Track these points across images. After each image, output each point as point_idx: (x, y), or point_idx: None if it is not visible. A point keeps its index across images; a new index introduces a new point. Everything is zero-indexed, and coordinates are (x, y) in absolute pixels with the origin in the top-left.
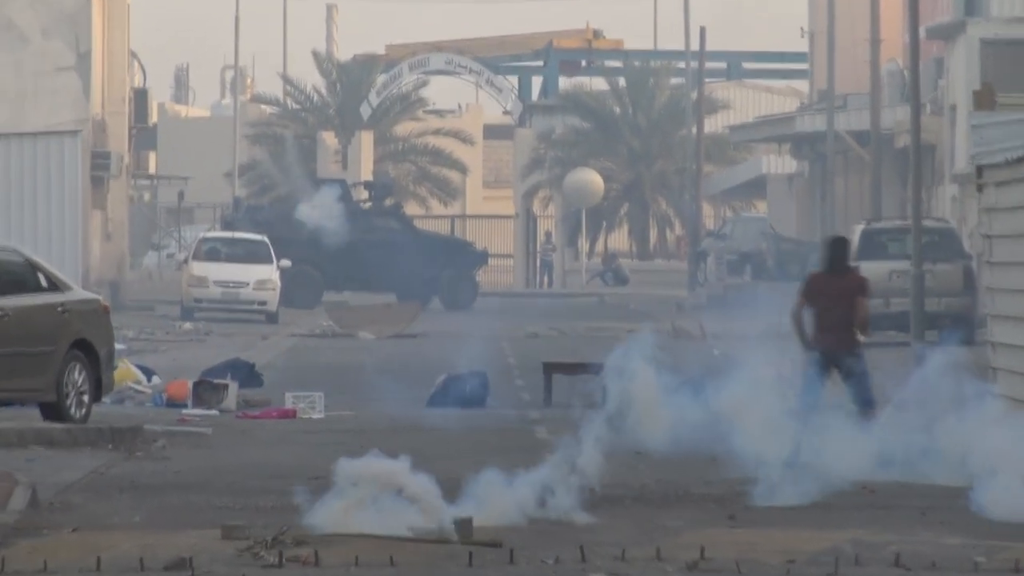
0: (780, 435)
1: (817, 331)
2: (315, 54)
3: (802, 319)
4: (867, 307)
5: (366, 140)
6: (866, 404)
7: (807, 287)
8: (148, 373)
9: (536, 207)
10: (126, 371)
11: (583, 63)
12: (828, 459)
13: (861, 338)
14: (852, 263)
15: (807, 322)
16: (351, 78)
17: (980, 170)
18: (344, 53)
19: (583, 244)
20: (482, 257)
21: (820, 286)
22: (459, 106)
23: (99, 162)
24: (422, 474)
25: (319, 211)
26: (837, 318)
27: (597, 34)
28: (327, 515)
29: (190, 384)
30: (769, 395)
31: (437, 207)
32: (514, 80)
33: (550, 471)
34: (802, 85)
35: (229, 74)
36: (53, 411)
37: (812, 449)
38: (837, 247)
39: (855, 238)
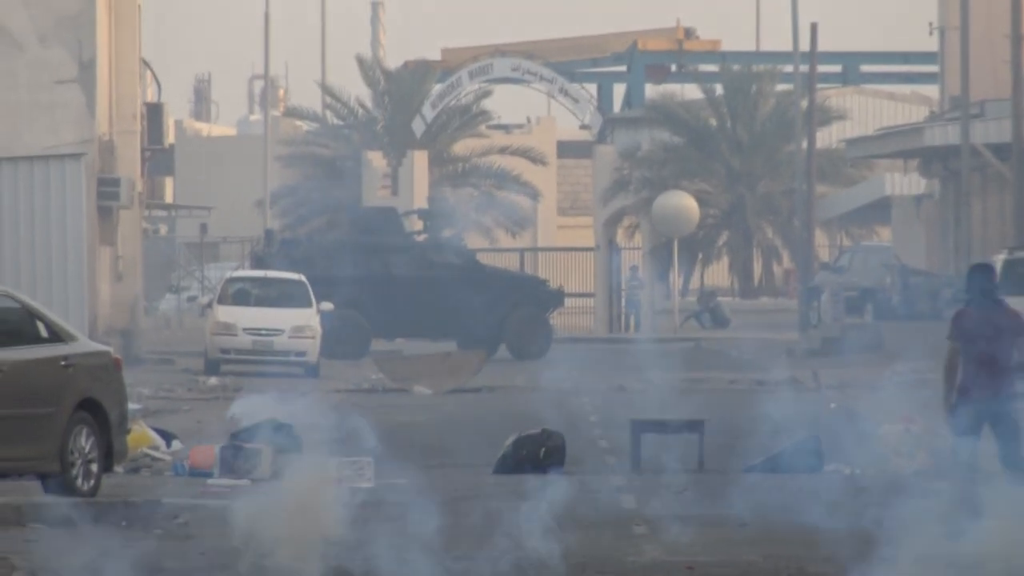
0: (911, 504)
1: (970, 377)
2: (359, 60)
3: (956, 368)
4: None
5: (420, 161)
6: (1018, 463)
7: (959, 328)
8: (167, 437)
9: (620, 237)
10: (142, 435)
11: (673, 68)
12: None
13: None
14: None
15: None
16: (402, 88)
17: None
18: (393, 59)
19: (675, 280)
20: (557, 297)
21: (973, 324)
22: (528, 120)
23: (107, 190)
24: None
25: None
26: (993, 361)
27: (689, 34)
28: None
29: (217, 449)
30: (898, 456)
31: (504, 239)
32: (592, 89)
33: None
34: (931, 91)
35: (258, 85)
36: (57, 483)
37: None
38: (987, 275)
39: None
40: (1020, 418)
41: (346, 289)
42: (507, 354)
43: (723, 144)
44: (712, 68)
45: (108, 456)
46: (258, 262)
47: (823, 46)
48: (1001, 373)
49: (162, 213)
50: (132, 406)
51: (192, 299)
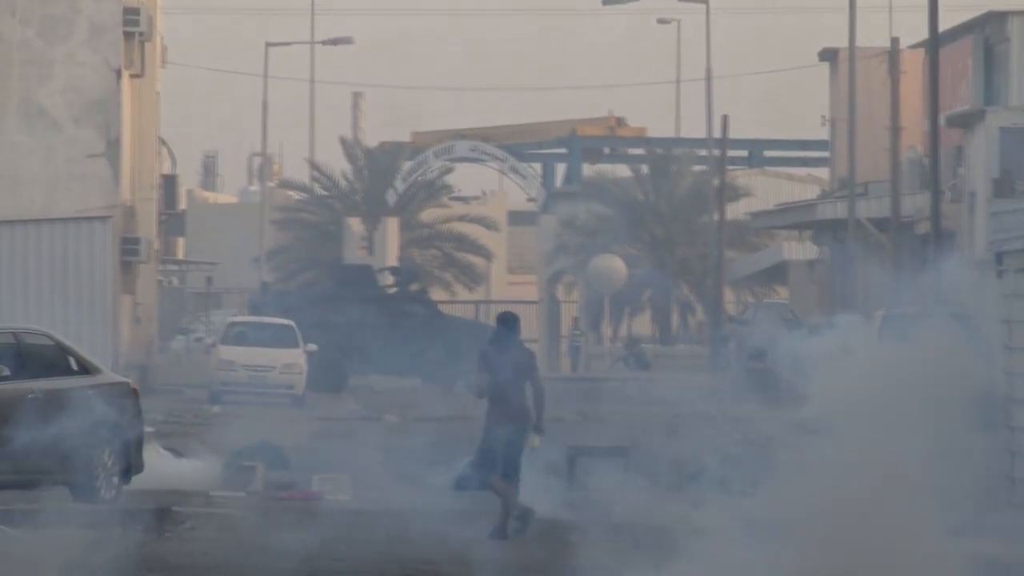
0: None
1: (492, 402)
2: (342, 140)
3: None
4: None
5: (392, 226)
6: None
7: (485, 362)
8: (177, 455)
9: (560, 292)
10: (155, 453)
11: (606, 150)
12: None
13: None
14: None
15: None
16: (377, 165)
17: (1000, 256)
18: (371, 140)
19: (606, 329)
20: None
21: (494, 360)
22: (484, 192)
23: (129, 247)
24: None
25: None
26: (508, 390)
27: (620, 122)
28: None
29: (220, 466)
30: None
31: (462, 292)
32: (538, 167)
33: None
34: (823, 173)
35: (257, 161)
36: (83, 492)
37: None
38: (512, 323)
39: (875, 323)
40: (524, 441)
41: (328, 333)
42: (463, 389)
43: (648, 215)
44: (639, 151)
45: (127, 470)
46: (255, 309)
47: (733, 134)
48: (515, 403)
49: (174, 267)
50: (147, 428)
51: (199, 340)
